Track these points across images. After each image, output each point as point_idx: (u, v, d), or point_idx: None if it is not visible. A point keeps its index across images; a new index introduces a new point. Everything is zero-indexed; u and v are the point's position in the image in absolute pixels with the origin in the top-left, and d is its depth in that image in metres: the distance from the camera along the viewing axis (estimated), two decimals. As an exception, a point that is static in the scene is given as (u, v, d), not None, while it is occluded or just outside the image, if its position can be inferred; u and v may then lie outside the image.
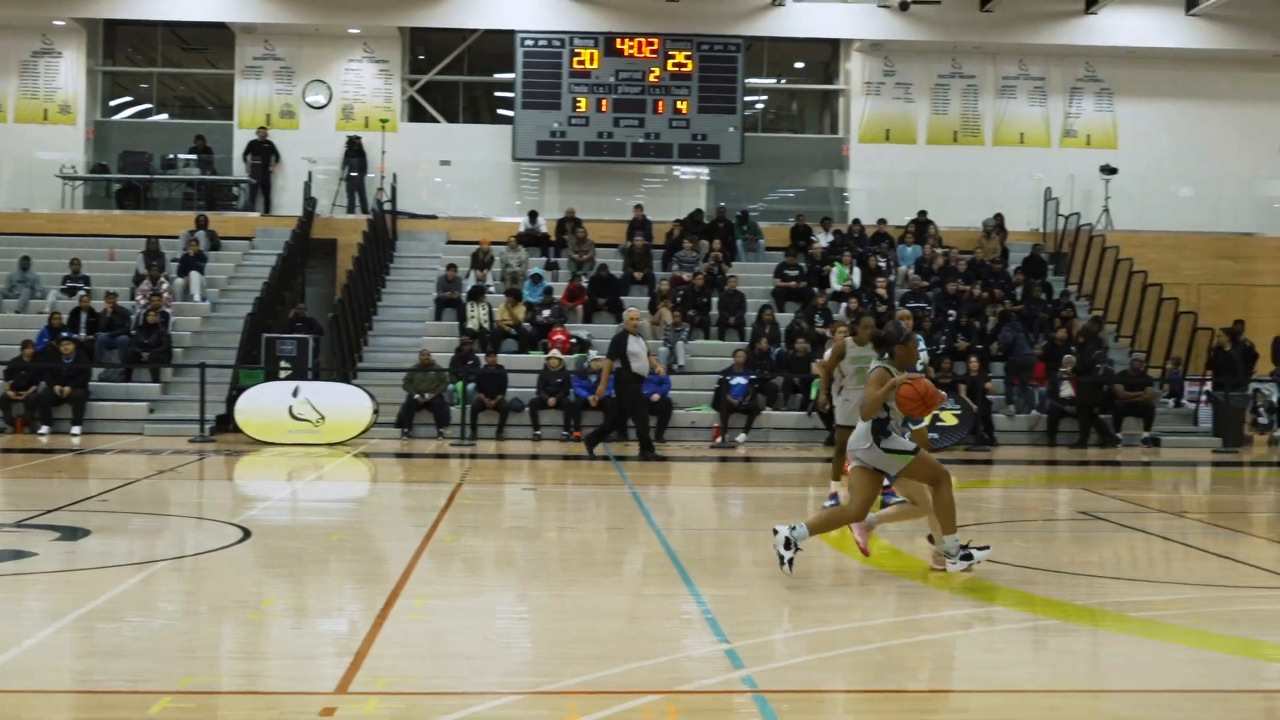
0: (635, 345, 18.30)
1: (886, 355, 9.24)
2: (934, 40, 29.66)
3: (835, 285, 25.54)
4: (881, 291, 25.11)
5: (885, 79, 30.42)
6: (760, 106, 31.76)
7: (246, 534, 11.04)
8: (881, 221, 28.07)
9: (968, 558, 9.28)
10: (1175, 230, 29.27)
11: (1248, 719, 6.09)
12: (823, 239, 27.40)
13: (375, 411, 20.72)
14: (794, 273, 25.90)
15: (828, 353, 13.51)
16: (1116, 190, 29.16)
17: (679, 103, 28.90)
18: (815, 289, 25.20)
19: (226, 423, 21.18)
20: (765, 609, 8.47)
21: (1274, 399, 23.69)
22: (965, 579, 9.32)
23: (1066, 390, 22.51)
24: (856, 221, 28.12)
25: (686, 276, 25.55)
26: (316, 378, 22.18)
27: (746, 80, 29.57)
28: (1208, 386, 23.14)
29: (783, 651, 7.03)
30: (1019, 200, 29.43)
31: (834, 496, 12.84)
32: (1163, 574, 10.37)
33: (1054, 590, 9.07)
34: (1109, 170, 29.03)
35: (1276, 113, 30.76)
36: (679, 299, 24.62)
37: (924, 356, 10.12)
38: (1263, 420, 23.35)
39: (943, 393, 9.44)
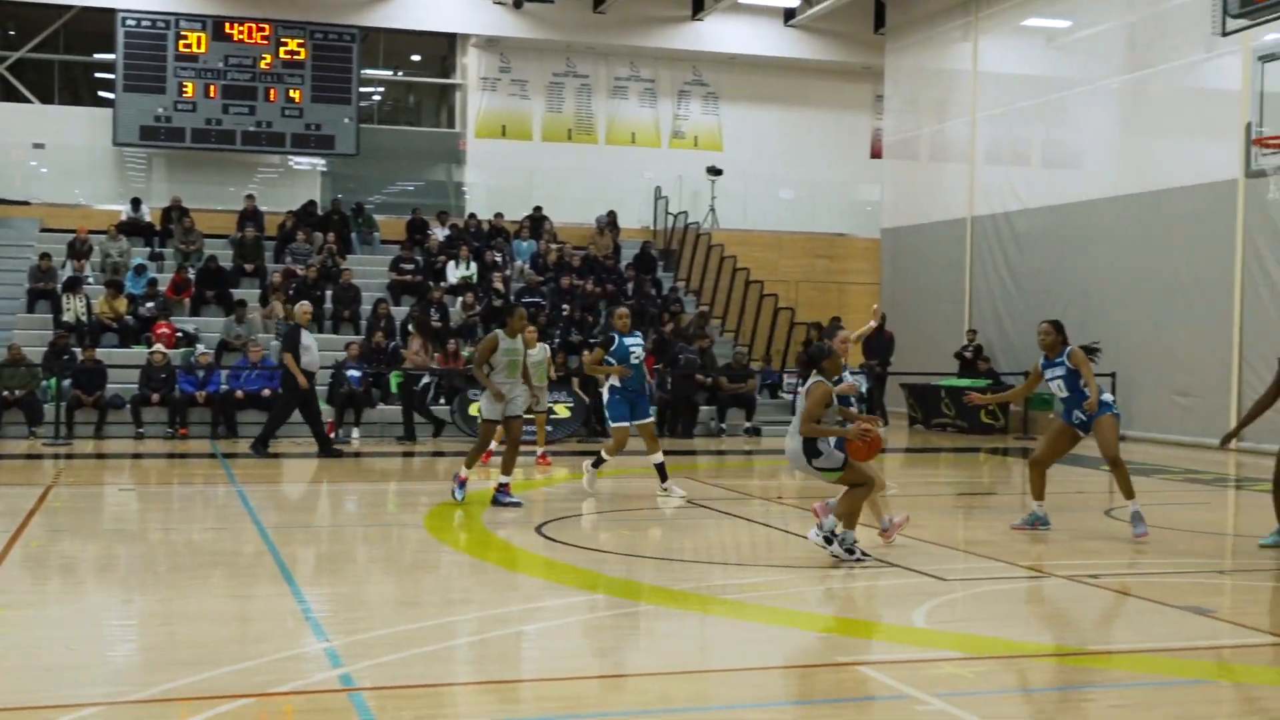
0: (308, 339, 17.97)
1: (816, 371, 9.88)
2: (548, 39, 30.10)
3: (451, 279, 25.54)
4: (498, 285, 25.31)
5: (501, 75, 30.65)
6: (377, 98, 31.41)
7: None
8: (498, 216, 28.28)
9: (850, 554, 9.75)
10: (776, 230, 30.79)
11: (820, 690, 6.44)
12: (439, 233, 27.35)
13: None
14: (410, 266, 25.74)
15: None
16: (722, 191, 30.41)
17: (292, 91, 28.24)
18: (431, 283, 25.11)
19: None
20: (369, 606, 8.38)
21: (863, 389, 25.16)
22: (570, 567, 9.50)
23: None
24: (473, 216, 28.22)
25: (300, 269, 24.99)
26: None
27: (362, 71, 29.19)
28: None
29: (383, 648, 6.96)
30: (631, 198, 30.25)
31: (462, 484, 12.72)
32: (761, 558, 10.86)
33: (657, 576, 9.35)
34: (715, 171, 30.24)
35: (864, 121, 32.79)
36: (292, 292, 24.04)
37: (847, 376, 10.51)
38: (854, 409, 24.74)
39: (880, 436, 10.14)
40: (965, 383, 24.41)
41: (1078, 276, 24.04)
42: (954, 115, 27.85)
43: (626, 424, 13.79)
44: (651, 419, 14.04)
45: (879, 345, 25.93)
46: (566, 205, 29.40)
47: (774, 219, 31.21)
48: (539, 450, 17.23)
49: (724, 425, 23.20)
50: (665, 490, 13.75)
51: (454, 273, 25.69)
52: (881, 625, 7.96)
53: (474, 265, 25.90)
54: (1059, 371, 11.52)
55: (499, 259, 26.38)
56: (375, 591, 8.84)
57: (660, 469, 13.83)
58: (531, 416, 14.66)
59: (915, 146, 29.37)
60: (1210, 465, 18.29)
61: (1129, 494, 11.25)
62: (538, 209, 28.61)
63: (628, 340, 13.87)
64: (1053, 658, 7.23)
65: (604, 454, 13.94)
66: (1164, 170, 22.19)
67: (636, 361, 13.79)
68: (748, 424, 23.11)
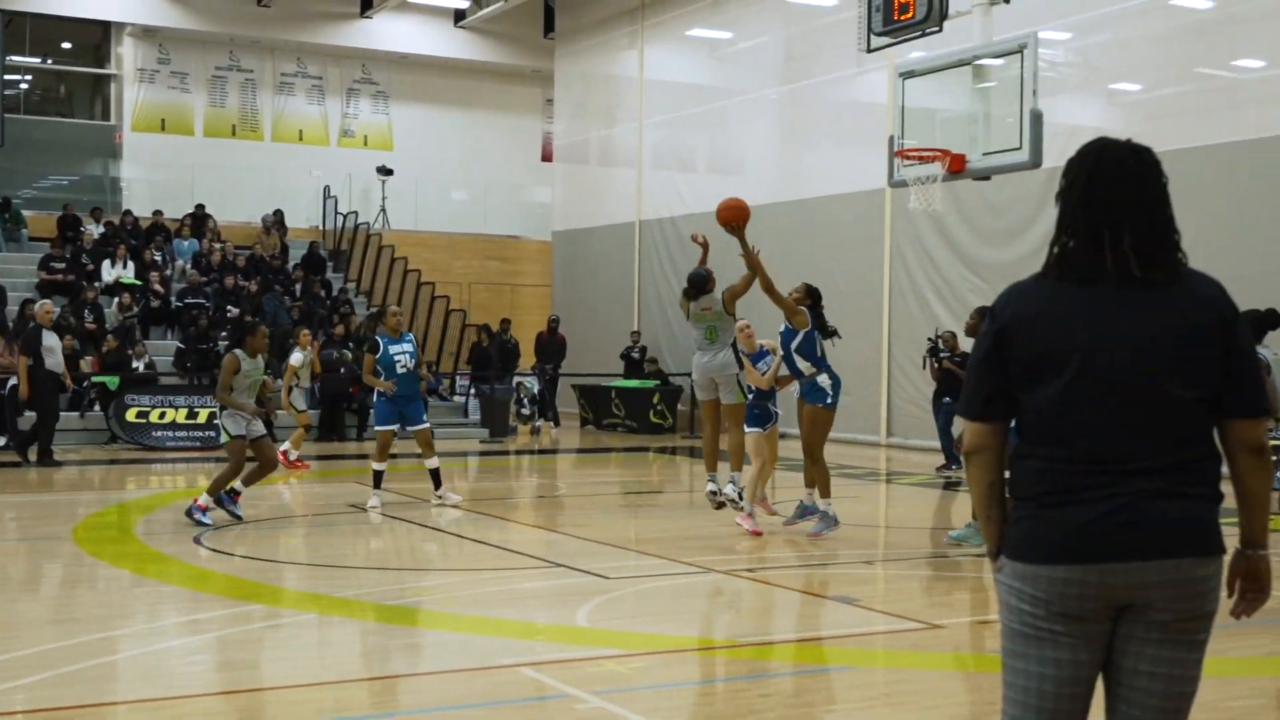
0: (50, 340, 17.04)
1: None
2: (210, 31, 29.20)
3: (107, 278, 24.42)
4: (158, 286, 24.35)
5: (160, 67, 29.54)
6: (25, 87, 29.74)
7: None
8: (158, 213, 27.18)
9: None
10: (449, 231, 30.72)
11: (483, 692, 6.48)
12: (95, 229, 26.08)
13: None
14: (60, 265, 24.45)
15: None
16: (393, 191, 30.14)
17: (-73, 77, 26.41)
18: (85, 282, 23.92)
19: None
20: (21, 625, 7.95)
21: (535, 391, 25.42)
22: (231, 581, 9.26)
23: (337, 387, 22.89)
24: (129, 212, 27.03)
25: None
26: None
27: (8, 58, 27.55)
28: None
29: (29, 668, 6.62)
30: (299, 197, 29.63)
31: (204, 510, 11.83)
32: (434, 561, 10.82)
33: (321, 584, 9.20)
34: (385, 171, 29.95)
35: (535, 124, 33.10)
36: (-72, 292, 22.52)
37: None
38: (525, 411, 24.99)
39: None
40: (634, 383, 24.96)
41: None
42: (622, 121, 28.40)
43: (392, 428, 13.24)
44: (426, 425, 13.32)
45: (552, 348, 26.27)
46: (231, 203, 28.55)
47: (446, 220, 31.15)
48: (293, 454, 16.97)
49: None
50: (440, 497, 13.35)
51: (110, 272, 24.57)
52: (545, 626, 8.06)
53: (132, 265, 24.84)
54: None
55: (159, 258, 25.38)
56: (22, 610, 8.38)
57: (435, 475, 13.36)
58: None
59: (585, 151, 29.82)
60: (863, 461, 19.24)
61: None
62: (200, 206, 27.65)
63: (393, 348, 13.10)
64: (707, 651, 7.48)
65: (373, 463, 13.27)
66: (820, 178, 23.21)
67: (403, 370, 13.07)
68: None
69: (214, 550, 10.47)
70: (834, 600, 8.88)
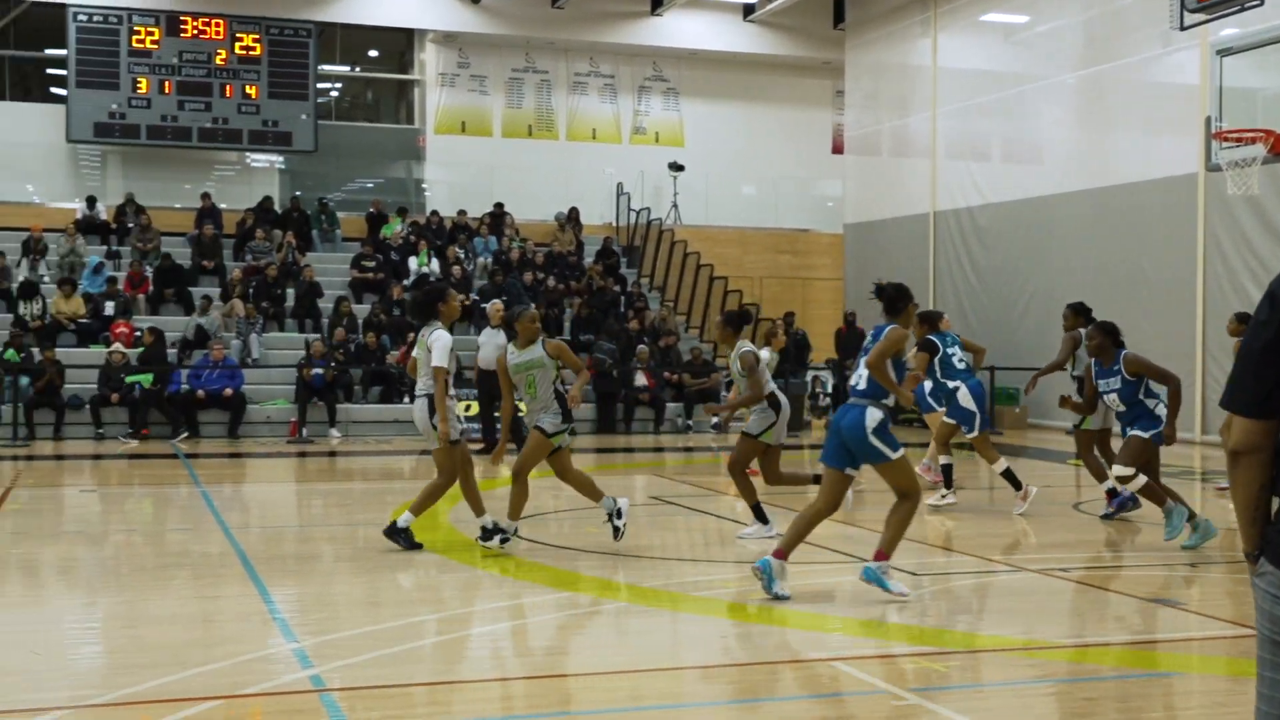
0: (485, 337, 17.95)
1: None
2: (507, 34, 30.02)
3: (411, 273, 25.43)
4: (458, 280, 25.15)
5: (460, 71, 30.53)
6: (335, 94, 31.23)
7: None
8: (461, 213, 28.13)
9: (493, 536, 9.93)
10: (739, 226, 30.80)
11: (793, 687, 6.43)
12: (400, 228, 27.18)
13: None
14: (371, 264, 25.58)
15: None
16: (684, 187, 30.40)
17: (248, 87, 28.01)
18: (393, 279, 24.96)
19: None
20: (338, 606, 8.31)
21: (830, 385, 25.24)
22: (543, 566, 9.46)
23: (641, 380, 23.23)
24: (435, 213, 28.06)
25: (261, 263, 24.79)
26: None
27: (320, 67, 29.00)
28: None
29: (354, 648, 6.90)
30: (593, 194, 30.20)
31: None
32: (731, 554, 10.83)
33: (630, 574, 9.32)
34: (676, 167, 30.22)
35: (825, 116, 32.86)
36: (252, 290, 23.87)
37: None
38: (822, 404, 24.85)
39: None
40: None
41: (1041, 271, 24.15)
42: (915, 110, 27.93)
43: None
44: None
45: (850, 342, 26.00)
46: (528, 202, 29.30)
47: (737, 215, 31.23)
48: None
49: (690, 422, 23.19)
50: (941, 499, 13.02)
51: (414, 266, 25.56)
52: (855, 621, 7.95)
53: (435, 260, 25.79)
54: (1114, 384, 10.58)
55: (461, 254, 26.25)
56: (343, 591, 8.77)
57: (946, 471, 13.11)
58: None
59: (877, 142, 29.45)
60: (1178, 460, 18.39)
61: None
62: (499, 205, 28.51)
63: (948, 349, 12.74)
64: (1025, 651, 7.24)
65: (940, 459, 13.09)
66: (1124, 165, 22.31)
67: (962, 367, 12.71)
68: (715, 419, 23.09)
69: (520, 537, 10.72)
70: (1153, 602, 8.48)
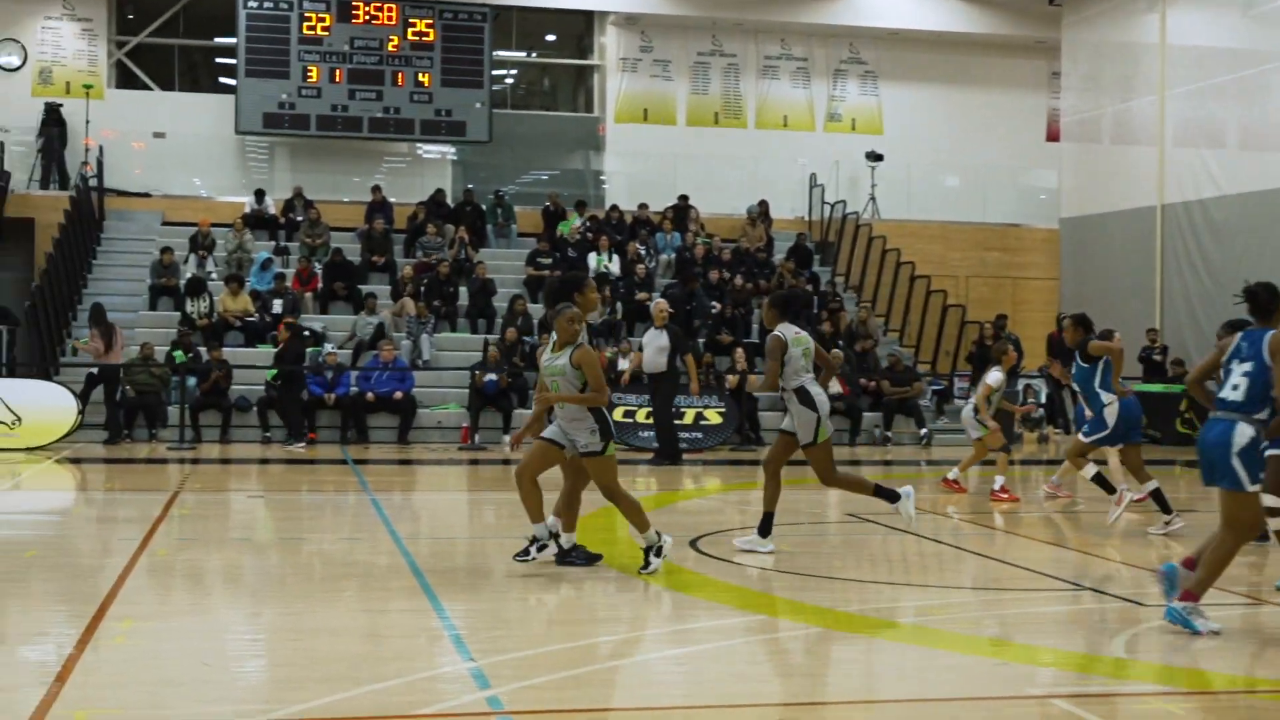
0: (648, 338, 18.50)
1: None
2: (692, 15, 30.09)
3: (592, 273, 25.64)
4: (640, 279, 25.26)
5: (643, 55, 30.69)
6: (510, 81, 31.66)
7: (-75, 552, 10.42)
8: (642, 207, 28.26)
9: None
10: (942, 220, 30.35)
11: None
12: (578, 224, 27.43)
13: (80, 412, 19.88)
14: (547, 260, 25.85)
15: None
16: (883, 177, 30.07)
17: (421, 75, 28.57)
18: (569, 278, 25.13)
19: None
20: (516, 623, 8.38)
21: (1044, 395, 24.72)
22: (729, 585, 9.42)
23: (835, 387, 23.03)
24: (615, 207, 28.24)
25: (433, 260, 25.25)
26: (11, 374, 21.27)
27: (494, 53, 29.43)
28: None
29: (533, 668, 6.94)
30: (783, 186, 30.06)
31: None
32: (934, 578, 10.66)
33: (824, 597, 9.23)
34: (875, 157, 29.91)
35: (1039, 101, 32.19)
36: (423, 288, 24.33)
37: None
38: (1035, 415, 24.38)
39: None
40: (1157, 388, 23.77)
41: (1283, 270, 23.30)
42: (1140, 93, 27.20)
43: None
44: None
45: (1064, 348, 25.40)
46: (713, 194, 29.31)
47: (940, 208, 30.77)
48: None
49: (889, 433, 22.93)
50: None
51: (593, 264, 25.78)
52: (1075, 654, 7.72)
53: (615, 258, 25.95)
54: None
55: (643, 251, 26.36)
56: (518, 607, 8.84)
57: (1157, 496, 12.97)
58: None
59: (1097, 128, 28.75)
60: None
61: None
62: (683, 198, 28.56)
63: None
64: (1271, 694, 6.95)
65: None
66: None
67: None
68: (923, 431, 22.77)
69: (704, 554, 10.70)
70: None
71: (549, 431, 9.81)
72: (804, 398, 10.56)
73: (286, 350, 21.20)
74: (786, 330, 10.71)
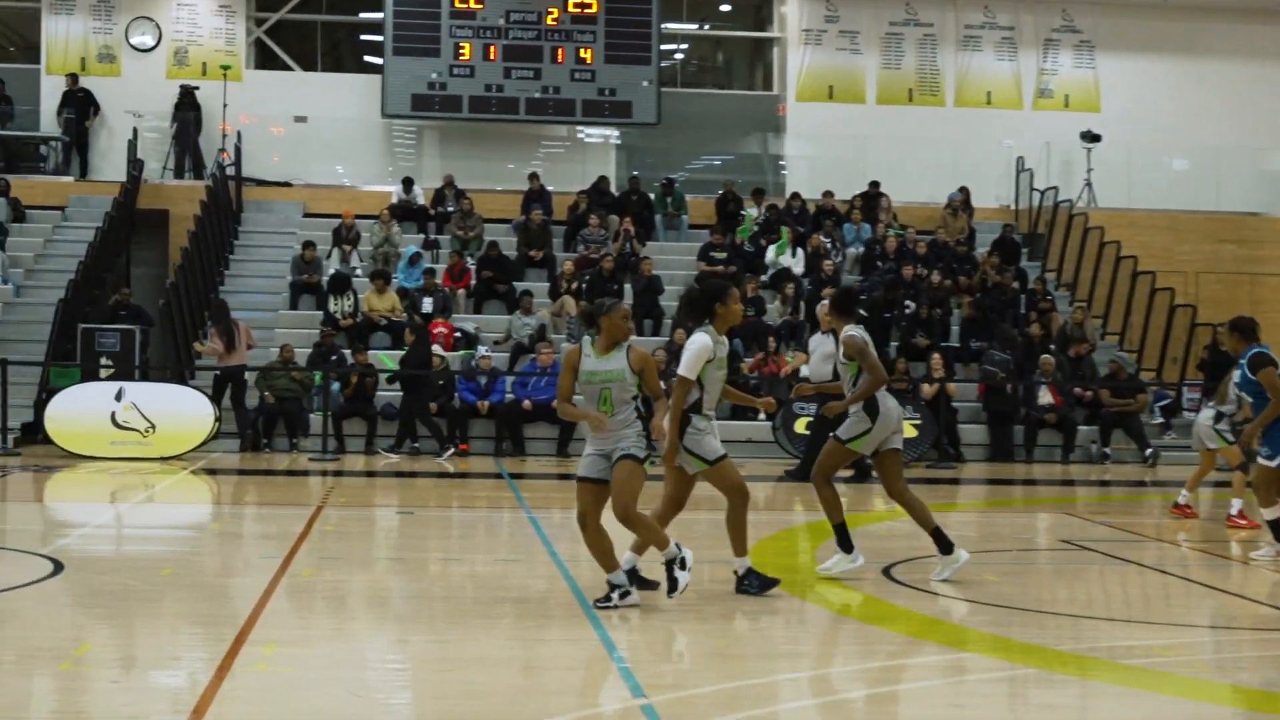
0: (813, 343, 18.28)
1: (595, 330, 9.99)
2: (884, -19, 29.95)
3: (770, 269, 25.62)
4: (828, 274, 25.13)
5: (828, 26, 30.58)
6: (680, 57, 31.78)
7: (58, 567, 10.80)
8: (826, 195, 28.15)
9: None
10: (1169, 209, 29.74)
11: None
12: (757, 216, 27.40)
13: (218, 419, 20.40)
14: (722, 254, 25.86)
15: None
16: (1100, 161, 29.56)
17: (582, 50, 28.78)
18: (748, 273, 25.18)
19: (34, 432, 20.79)
20: (689, 656, 8.42)
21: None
22: (926, 618, 9.36)
23: (1046, 397, 22.73)
24: (796, 195, 28.17)
25: (596, 254, 25.44)
26: (145, 378, 21.86)
27: (663, 25, 29.54)
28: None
29: (711, 706, 6.97)
30: (986, 171, 29.73)
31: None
32: (1160, 614, 10.47)
33: (1033, 634, 9.12)
34: (1091, 137, 29.40)
35: (1282, 73, 31.40)
36: (584, 285, 24.51)
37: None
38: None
39: None
40: None
41: None
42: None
43: None
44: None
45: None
46: (907, 180, 29.08)
47: (1167, 195, 30.16)
48: None
49: (1108, 450, 22.51)
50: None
51: (772, 257, 25.73)
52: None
53: (797, 251, 25.89)
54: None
55: (828, 244, 26.25)
56: (691, 638, 8.88)
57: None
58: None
59: (1350, 102, 27.98)
60: None
61: None
62: (873, 185, 28.40)
63: None
64: None
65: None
66: None
67: None
68: (1149, 449, 22.30)
69: (899, 584, 10.64)
70: None
71: (596, 472, 9.92)
72: (869, 403, 10.52)
73: (413, 353, 21.49)
74: (860, 330, 10.72)
